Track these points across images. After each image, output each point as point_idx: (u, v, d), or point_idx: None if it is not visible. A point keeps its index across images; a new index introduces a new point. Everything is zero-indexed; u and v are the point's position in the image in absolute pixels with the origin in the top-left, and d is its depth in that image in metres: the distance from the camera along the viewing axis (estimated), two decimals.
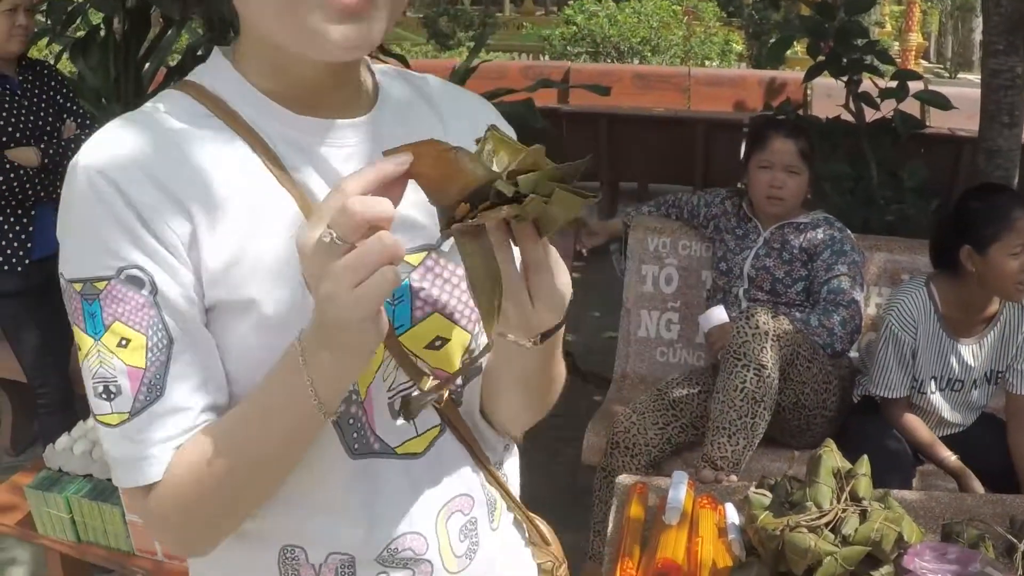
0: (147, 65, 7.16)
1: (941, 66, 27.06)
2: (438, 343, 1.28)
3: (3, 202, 4.15)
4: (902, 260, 4.50)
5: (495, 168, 0.97)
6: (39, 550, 3.83)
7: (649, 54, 15.88)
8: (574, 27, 16.60)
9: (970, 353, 3.71)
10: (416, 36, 22.93)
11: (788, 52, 7.11)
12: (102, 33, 6.82)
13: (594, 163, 8.87)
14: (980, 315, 3.70)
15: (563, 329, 1.19)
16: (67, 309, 1.17)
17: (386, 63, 1.39)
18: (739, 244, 4.18)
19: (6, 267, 4.20)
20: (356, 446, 1.25)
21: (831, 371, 3.78)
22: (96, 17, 6.93)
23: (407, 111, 1.35)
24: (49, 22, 6.68)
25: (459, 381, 1.35)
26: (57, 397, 4.51)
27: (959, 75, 24.16)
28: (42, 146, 4.20)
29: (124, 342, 1.13)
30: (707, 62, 16.25)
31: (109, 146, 1.15)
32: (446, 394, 1.29)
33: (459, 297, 1.29)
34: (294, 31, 1.12)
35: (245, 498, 1.20)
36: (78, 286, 1.14)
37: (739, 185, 4.33)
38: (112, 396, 1.14)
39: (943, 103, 6.10)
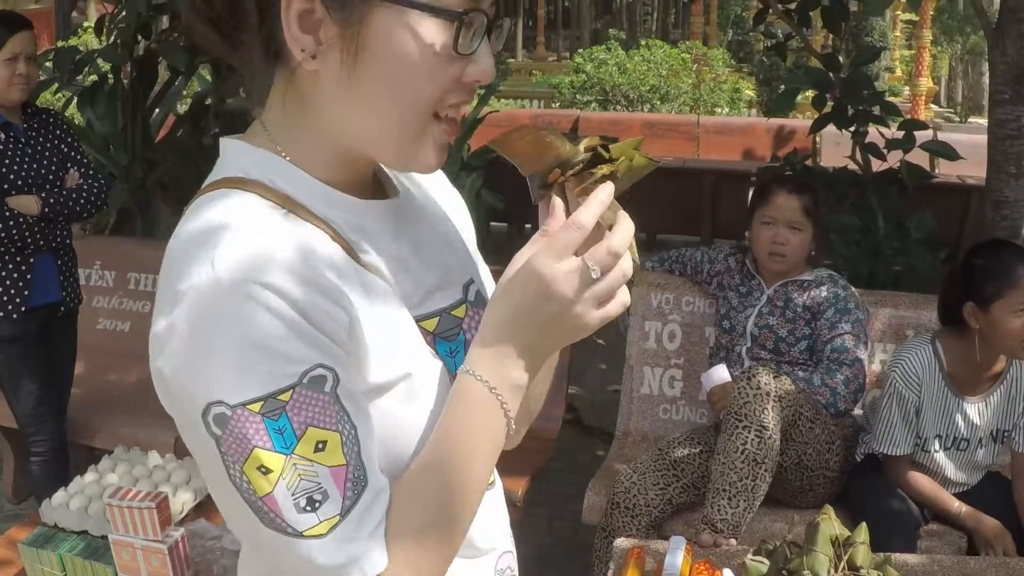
0: (156, 112, 7.19)
1: (952, 110, 27.11)
2: None
3: (2, 249, 4.17)
4: (907, 316, 4.46)
5: (574, 145, 1.21)
6: None
7: (658, 102, 15.86)
8: (584, 75, 16.60)
9: (975, 411, 3.68)
10: None
11: (799, 98, 7.10)
12: (111, 81, 6.86)
13: None
14: (986, 373, 3.67)
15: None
16: (229, 442, 1.11)
17: None
18: (742, 302, 4.16)
19: (1, 313, 4.21)
20: None
21: (834, 431, 3.74)
22: (105, 65, 6.99)
23: (412, 186, 1.44)
24: (56, 72, 6.72)
25: None
26: (51, 446, 4.51)
27: (970, 119, 24.19)
28: (43, 195, 4.21)
29: (321, 445, 1.12)
30: (716, 109, 16.24)
31: (245, 254, 1.12)
32: None
33: None
34: (401, 154, 1.24)
35: (461, 539, 1.23)
36: (256, 406, 1.09)
37: (744, 240, 4.31)
38: (318, 505, 1.12)
39: (950, 154, 6.08)
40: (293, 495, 1.10)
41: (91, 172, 4.47)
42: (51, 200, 4.22)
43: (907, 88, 23.29)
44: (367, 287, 1.22)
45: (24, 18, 4.33)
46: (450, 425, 1.20)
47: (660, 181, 8.77)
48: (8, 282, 4.21)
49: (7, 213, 4.10)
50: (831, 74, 5.91)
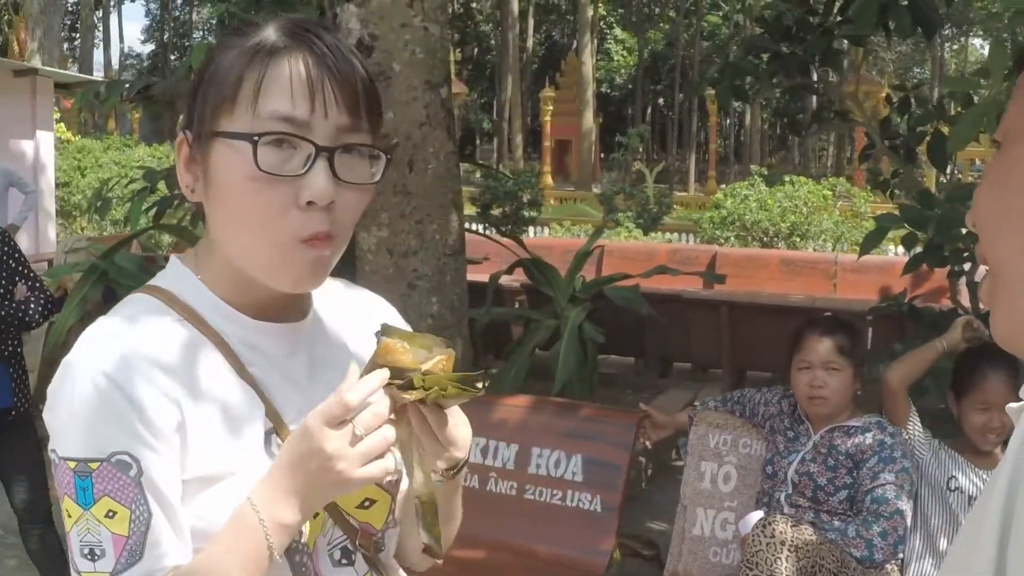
0: None
1: None
2: (367, 503, 1.58)
3: None
4: None
5: (419, 362, 1.38)
6: None
7: (798, 239, 15.67)
8: (724, 210, 16.55)
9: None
10: (595, 211, 23.76)
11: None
12: None
13: (716, 350, 8.75)
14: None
15: (465, 469, 1.55)
16: (56, 480, 1.38)
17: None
18: (788, 447, 4.05)
19: None
20: None
21: None
22: None
23: (332, 311, 1.66)
24: None
25: (380, 531, 1.63)
26: None
27: None
28: None
29: (111, 514, 1.35)
30: (856, 247, 15.95)
31: (106, 348, 1.40)
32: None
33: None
34: (272, 276, 1.44)
35: None
36: (72, 464, 1.36)
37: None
38: (96, 558, 1.36)
39: None
40: (80, 542, 1.37)
41: (37, 285, 4.72)
42: (1, 312, 4.48)
43: None
44: (226, 393, 1.46)
45: None
46: (221, 539, 1.40)
47: (763, 319, 8.58)
48: None
49: None
50: (926, 212, 5.73)
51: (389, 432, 1.37)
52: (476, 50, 65.74)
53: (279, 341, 1.54)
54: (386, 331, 1.41)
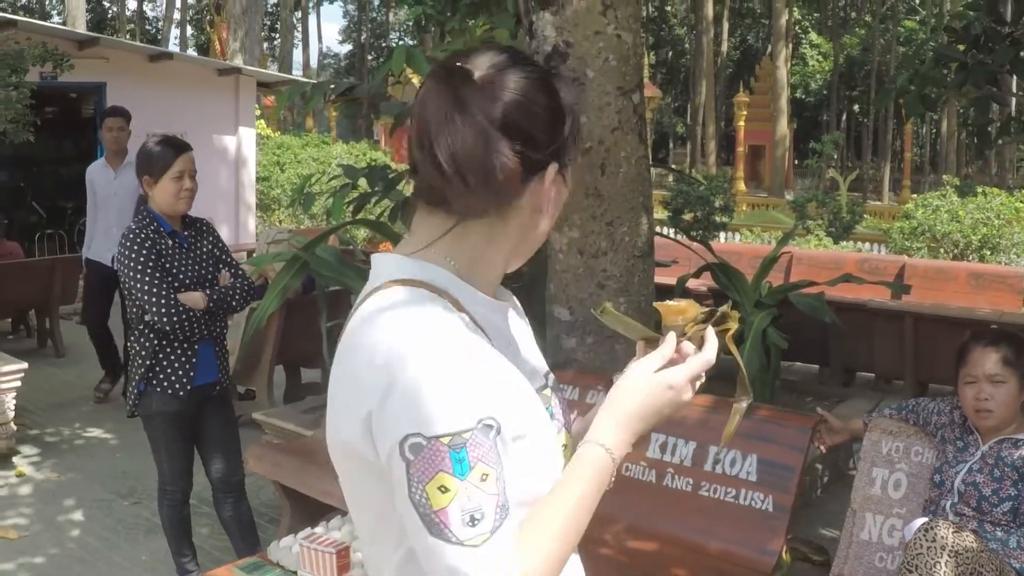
0: None
1: None
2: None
3: (172, 337, 4.83)
4: None
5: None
6: None
7: (989, 252, 15.31)
8: (914, 221, 16.27)
9: None
10: (787, 218, 23.48)
11: None
12: None
13: (899, 361, 8.70)
14: None
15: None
16: (424, 466, 1.50)
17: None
18: (957, 456, 4.14)
19: (170, 391, 4.86)
20: None
21: None
22: None
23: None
24: (370, 187, 7.35)
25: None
26: (181, 500, 5.16)
27: None
28: (207, 291, 4.87)
29: (484, 477, 1.50)
30: None
31: (438, 330, 1.56)
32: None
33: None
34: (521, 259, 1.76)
35: (565, 561, 1.61)
36: (446, 439, 1.49)
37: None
38: (476, 522, 1.48)
39: None
40: (461, 512, 1.48)
41: (240, 272, 5.12)
42: (215, 296, 4.90)
43: None
44: (503, 365, 1.65)
45: (186, 142, 5.02)
46: (579, 478, 1.64)
47: (948, 332, 8.33)
48: (176, 364, 4.87)
49: (180, 307, 4.74)
50: None
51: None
52: (670, 54, 65.45)
53: (504, 318, 1.79)
54: (603, 309, 1.77)
